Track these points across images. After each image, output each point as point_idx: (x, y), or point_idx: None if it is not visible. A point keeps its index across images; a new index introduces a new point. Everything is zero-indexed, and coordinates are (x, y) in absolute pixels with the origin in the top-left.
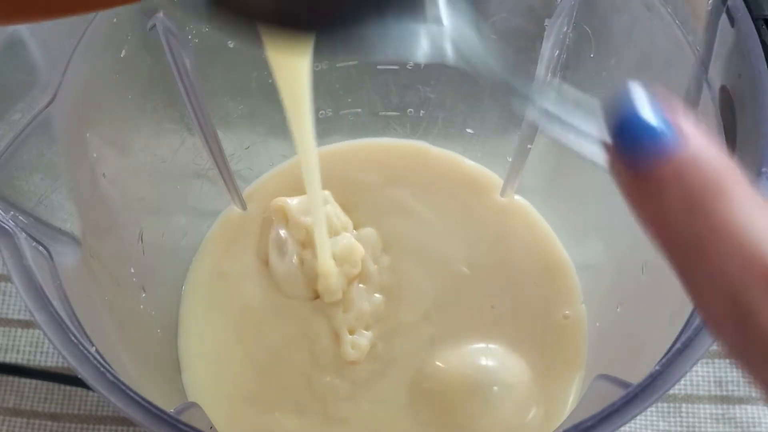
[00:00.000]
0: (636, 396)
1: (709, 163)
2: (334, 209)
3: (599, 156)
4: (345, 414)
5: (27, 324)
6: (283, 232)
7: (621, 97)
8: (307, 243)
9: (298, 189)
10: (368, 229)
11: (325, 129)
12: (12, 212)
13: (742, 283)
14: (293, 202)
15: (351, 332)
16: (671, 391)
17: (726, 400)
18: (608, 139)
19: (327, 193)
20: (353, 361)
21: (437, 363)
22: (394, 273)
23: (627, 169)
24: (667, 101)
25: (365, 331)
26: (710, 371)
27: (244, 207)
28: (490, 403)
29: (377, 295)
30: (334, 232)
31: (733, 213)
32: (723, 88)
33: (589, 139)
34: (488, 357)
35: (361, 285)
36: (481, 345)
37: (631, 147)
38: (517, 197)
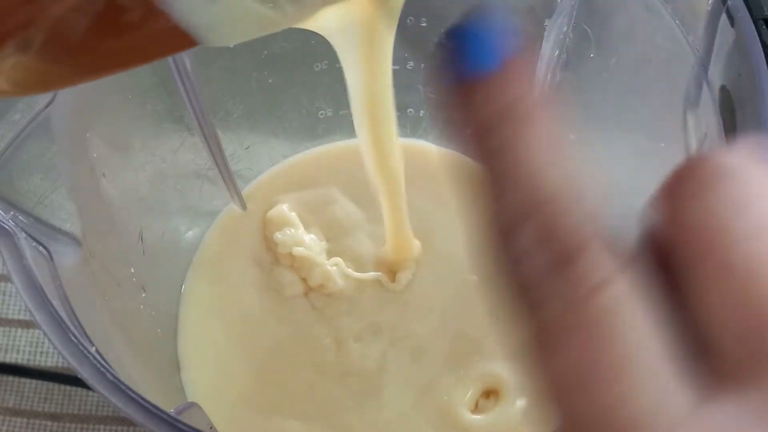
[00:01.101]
0: None
1: (515, 86)
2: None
3: None
4: (348, 421)
5: (27, 324)
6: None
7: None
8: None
9: (298, 189)
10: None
11: (325, 129)
12: (12, 212)
13: (515, 214)
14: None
15: (357, 340)
16: None
17: None
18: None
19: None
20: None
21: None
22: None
23: (457, 74)
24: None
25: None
26: None
27: (244, 207)
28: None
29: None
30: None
31: (534, 140)
32: (723, 88)
33: None
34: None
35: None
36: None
37: (467, 53)
38: None
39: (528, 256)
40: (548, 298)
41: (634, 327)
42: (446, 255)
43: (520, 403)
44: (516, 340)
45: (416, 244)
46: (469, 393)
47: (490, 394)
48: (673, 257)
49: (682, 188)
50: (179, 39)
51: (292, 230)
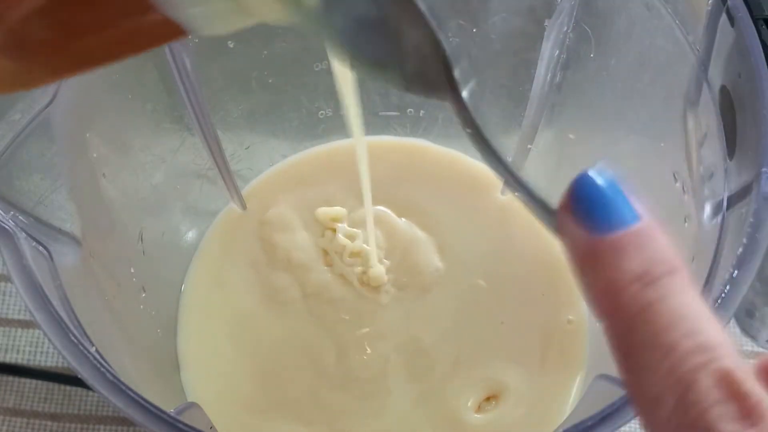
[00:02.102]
0: None
1: (664, 242)
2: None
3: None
4: (349, 426)
5: (27, 324)
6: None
7: (586, 170)
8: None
9: (298, 188)
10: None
11: (325, 129)
12: (12, 212)
13: (691, 364)
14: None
15: (359, 346)
16: None
17: None
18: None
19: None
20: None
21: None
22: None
23: (586, 232)
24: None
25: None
26: None
27: (243, 207)
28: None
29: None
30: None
31: (685, 293)
32: (723, 88)
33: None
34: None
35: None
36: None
37: (596, 210)
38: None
39: (706, 410)
40: None
41: None
42: (451, 256)
43: (521, 406)
44: None
45: (379, 269)
46: (471, 399)
47: (490, 398)
48: None
49: None
50: (169, 29)
51: (290, 234)
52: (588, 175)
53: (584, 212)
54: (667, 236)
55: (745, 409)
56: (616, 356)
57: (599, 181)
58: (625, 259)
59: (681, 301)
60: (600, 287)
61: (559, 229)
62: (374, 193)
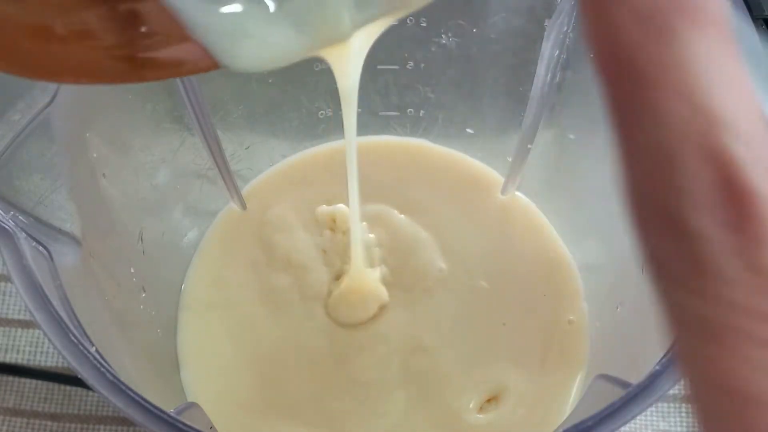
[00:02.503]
0: (636, 396)
1: None
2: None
3: None
4: (349, 427)
5: (27, 324)
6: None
7: None
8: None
9: (298, 188)
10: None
11: (325, 129)
12: (12, 212)
13: (682, 144)
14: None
15: (360, 348)
16: (671, 391)
17: None
18: None
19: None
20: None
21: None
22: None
23: None
24: None
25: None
26: None
27: (243, 207)
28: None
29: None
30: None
31: (701, 53)
32: None
33: None
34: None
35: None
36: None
37: None
38: (518, 193)
39: (684, 202)
40: (710, 269)
41: None
42: (453, 257)
43: (521, 406)
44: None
45: (382, 291)
46: (473, 400)
47: (491, 398)
48: None
49: None
50: (201, 60)
51: (290, 234)
52: None
53: None
54: None
55: (734, 205)
56: (610, 119)
57: None
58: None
59: (699, 61)
60: (601, 41)
61: None
62: (375, 193)
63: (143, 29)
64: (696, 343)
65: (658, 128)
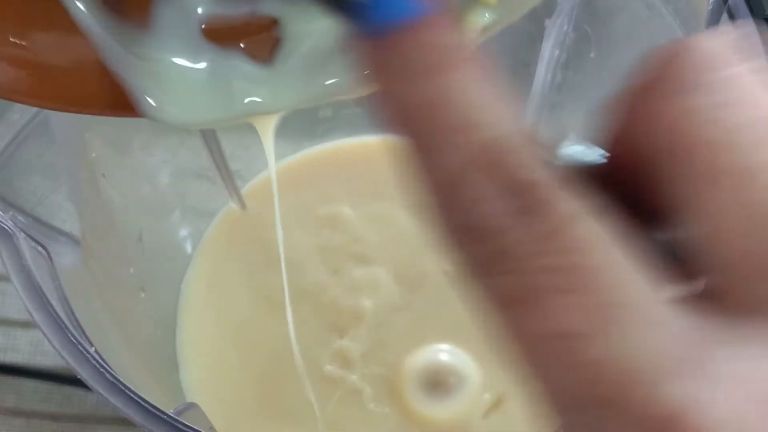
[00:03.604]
0: None
1: (442, 37)
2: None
3: None
4: (349, 431)
5: (26, 324)
6: None
7: None
8: None
9: (298, 188)
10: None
11: (325, 129)
12: (11, 212)
13: (462, 159)
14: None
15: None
16: None
17: None
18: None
19: None
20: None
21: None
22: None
23: (369, 37)
24: None
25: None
26: None
27: (243, 207)
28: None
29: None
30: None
31: (471, 84)
32: None
33: None
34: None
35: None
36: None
37: (376, 13)
38: None
39: (478, 209)
40: (510, 251)
41: (614, 263)
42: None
43: (523, 410)
44: (483, 317)
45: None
46: (478, 404)
47: (495, 401)
48: (645, 165)
49: (659, 86)
50: (116, 102)
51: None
52: None
53: (368, 16)
54: (451, 29)
55: (516, 196)
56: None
57: None
58: (398, 59)
59: (463, 93)
60: (383, 93)
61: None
62: (375, 193)
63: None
64: (513, 315)
65: (441, 159)
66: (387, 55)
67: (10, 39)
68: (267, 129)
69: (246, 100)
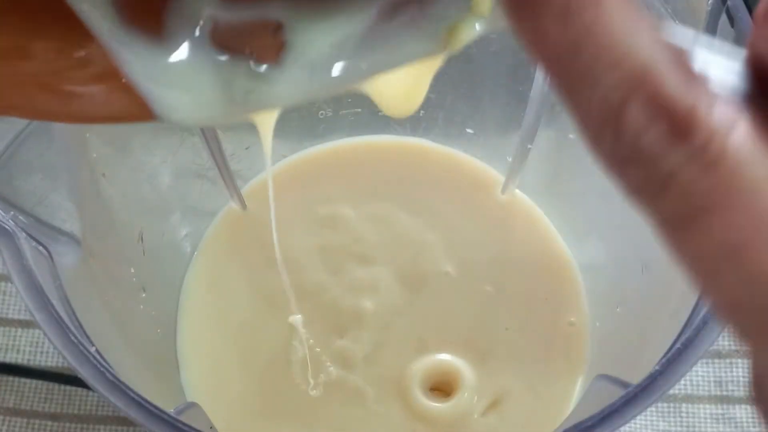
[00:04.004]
0: (636, 396)
1: None
2: None
3: None
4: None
5: (27, 324)
6: None
7: None
8: None
9: (298, 188)
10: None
11: (325, 129)
12: (12, 212)
13: (618, 95)
14: None
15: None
16: (671, 391)
17: (726, 400)
18: None
19: None
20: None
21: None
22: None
23: None
24: None
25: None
26: (710, 371)
27: (244, 206)
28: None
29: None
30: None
31: (611, 18)
32: None
33: None
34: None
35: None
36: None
37: None
38: (517, 191)
39: (639, 139)
40: (675, 171)
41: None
42: (458, 260)
43: (523, 409)
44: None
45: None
46: (477, 405)
47: (494, 401)
48: None
49: None
50: (138, 108)
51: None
52: None
53: None
54: None
55: (676, 124)
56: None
57: None
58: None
59: (605, 29)
60: (530, 40)
61: None
62: (376, 193)
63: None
64: (682, 235)
65: (597, 86)
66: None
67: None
68: (268, 125)
69: (251, 97)
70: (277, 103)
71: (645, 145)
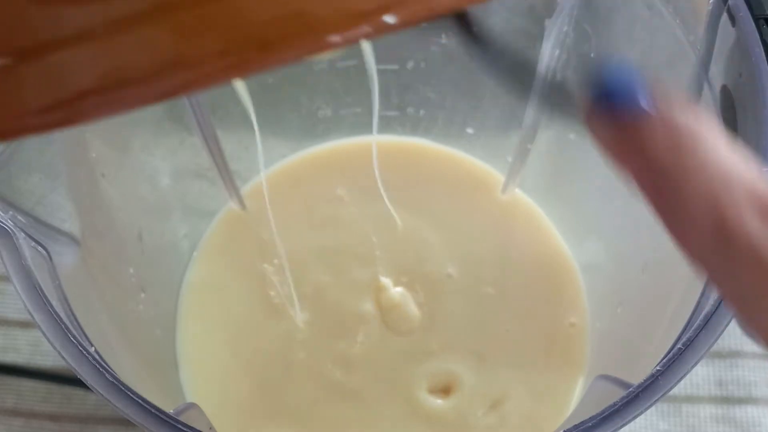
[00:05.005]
0: (636, 396)
1: (689, 113)
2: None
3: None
4: None
5: (26, 324)
6: None
7: (604, 67)
8: None
9: (298, 188)
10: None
11: (325, 129)
12: (11, 212)
13: (725, 199)
14: None
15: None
16: (671, 392)
17: (726, 400)
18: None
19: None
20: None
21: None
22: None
23: (615, 119)
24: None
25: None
26: (711, 371)
27: (243, 206)
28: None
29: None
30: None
31: (717, 147)
32: (724, 88)
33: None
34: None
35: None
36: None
37: (619, 97)
38: (518, 191)
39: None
40: None
41: None
42: (460, 262)
43: (523, 410)
44: None
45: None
46: (476, 407)
47: (494, 403)
48: None
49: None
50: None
51: (290, 234)
52: (607, 73)
53: (606, 107)
54: (687, 102)
55: (762, 208)
56: (656, 214)
57: (617, 77)
58: (653, 137)
59: (708, 153)
60: (633, 167)
61: (586, 122)
62: (375, 193)
63: None
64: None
65: (696, 222)
66: (635, 135)
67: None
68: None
69: None
70: None
71: (751, 242)
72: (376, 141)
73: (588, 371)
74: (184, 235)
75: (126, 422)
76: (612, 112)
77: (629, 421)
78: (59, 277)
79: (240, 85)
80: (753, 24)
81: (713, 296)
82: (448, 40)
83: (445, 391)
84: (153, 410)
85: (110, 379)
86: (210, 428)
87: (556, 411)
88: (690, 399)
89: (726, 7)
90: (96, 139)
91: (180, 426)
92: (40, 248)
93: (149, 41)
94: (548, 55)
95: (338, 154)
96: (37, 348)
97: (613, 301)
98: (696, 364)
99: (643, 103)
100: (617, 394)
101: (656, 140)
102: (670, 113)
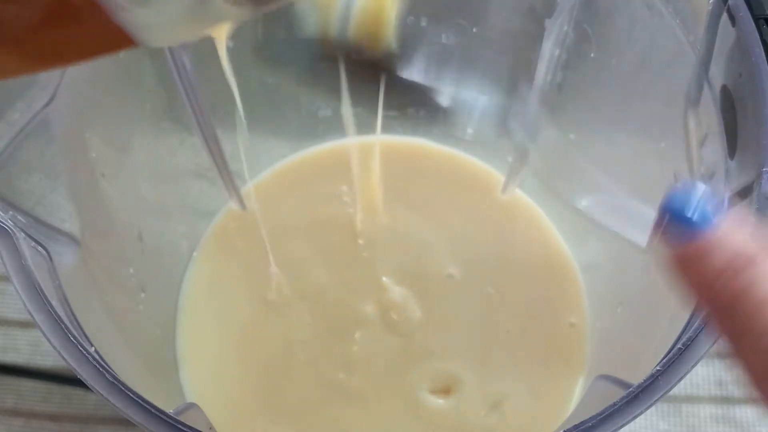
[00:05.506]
0: (636, 396)
1: (742, 237)
2: None
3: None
4: None
5: (26, 324)
6: None
7: (675, 191)
8: None
9: (297, 188)
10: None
11: (325, 129)
12: (11, 212)
13: None
14: None
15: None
16: (672, 392)
17: (726, 400)
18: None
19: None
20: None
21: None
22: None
23: (677, 245)
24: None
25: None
26: (711, 372)
27: (243, 206)
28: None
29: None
30: None
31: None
32: (724, 88)
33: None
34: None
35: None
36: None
37: (682, 231)
38: (518, 191)
39: None
40: None
41: None
42: (461, 263)
43: (523, 410)
44: None
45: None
46: (477, 407)
47: (494, 403)
48: None
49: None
50: (118, 37)
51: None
52: (673, 201)
53: (672, 234)
54: (749, 229)
55: None
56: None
57: (683, 204)
58: (709, 259)
59: (761, 289)
60: (695, 286)
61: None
62: (376, 194)
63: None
64: None
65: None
66: (691, 259)
67: None
68: (222, 36)
69: (214, 14)
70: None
71: None
72: (378, 141)
73: (588, 371)
74: (184, 235)
75: (126, 422)
76: (676, 236)
77: (629, 421)
78: (59, 277)
79: (232, 82)
80: (753, 24)
81: None
82: (448, 40)
83: (445, 391)
84: (153, 410)
85: (110, 379)
86: (210, 428)
87: (556, 411)
88: (690, 399)
89: (726, 7)
90: (96, 139)
91: (180, 426)
92: (40, 248)
93: None
94: (548, 55)
95: (338, 154)
96: (37, 348)
97: (613, 301)
98: (696, 364)
99: (702, 227)
100: (617, 394)
101: (715, 267)
102: (727, 237)
